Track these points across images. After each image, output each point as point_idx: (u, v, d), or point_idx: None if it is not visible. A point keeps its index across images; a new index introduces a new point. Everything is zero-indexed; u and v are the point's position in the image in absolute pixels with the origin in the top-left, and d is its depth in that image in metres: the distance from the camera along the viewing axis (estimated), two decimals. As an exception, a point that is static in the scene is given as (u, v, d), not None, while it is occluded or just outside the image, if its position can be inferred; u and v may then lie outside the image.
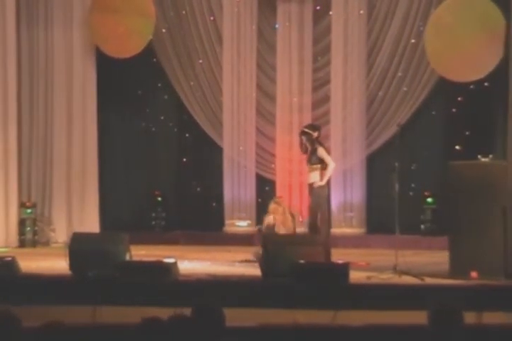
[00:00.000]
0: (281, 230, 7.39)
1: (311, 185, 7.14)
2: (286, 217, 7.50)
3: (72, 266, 6.09)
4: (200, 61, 9.70)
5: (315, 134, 7.13)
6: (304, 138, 7.14)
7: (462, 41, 8.51)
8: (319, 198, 7.03)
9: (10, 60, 9.19)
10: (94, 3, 9.53)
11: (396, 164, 6.49)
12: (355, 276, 5.81)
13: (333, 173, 7.43)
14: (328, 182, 7.26)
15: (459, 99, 8.92)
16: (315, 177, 7.04)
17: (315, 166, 7.05)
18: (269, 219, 7.54)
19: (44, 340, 3.12)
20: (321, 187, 7.03)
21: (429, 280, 5.86)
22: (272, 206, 7.62)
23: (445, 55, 8.58)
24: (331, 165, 7.07)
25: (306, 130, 7.19)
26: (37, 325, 3.16)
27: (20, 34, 9.46)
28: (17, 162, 9.34)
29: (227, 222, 9.61)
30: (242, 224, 9.52)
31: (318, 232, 6.90)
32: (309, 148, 7.10)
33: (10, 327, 3.20)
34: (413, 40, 9.03)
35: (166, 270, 5.80)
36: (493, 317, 5.06)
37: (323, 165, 7.08)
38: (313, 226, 7.08)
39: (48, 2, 9.59)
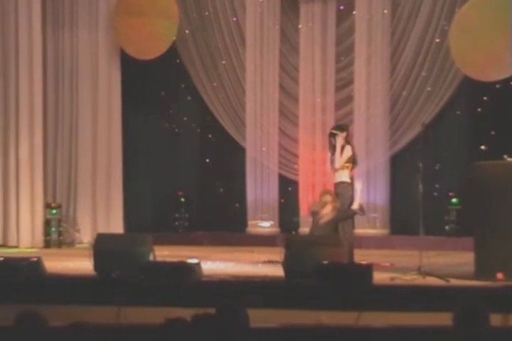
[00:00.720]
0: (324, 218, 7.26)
1: (336, 185, 7.11)
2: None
3: (96, 266, 6.14)
4: (223, 62, 9.72)
5: (343, 134, 7.13)
6: (333, 140, 7.12)
7: (487, 40, 8.40)
8: (343, 198, 7.00)
9: (36, 62, 9.30)
10: (119, 5, 9.60)
11: (420, 164, 6.43)
12: (379, 277, 5.77)
13: (356, 173, 7.38)
14: (352, 182, 7.22)
15: (485, 98, 8.81)
16: (341, 177, 7.01)
17: (343, 165, 7.03)
18: (327, 208, 7.21)
19: (70, 340, 3.15)
20: (345, 186, 7.00)
21: (454, 282, 5.80)
22: (327, 198, 7.45)
23: (470, 54, 8.49)
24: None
25: (335, 131, 7.17)
26: (63, 325, 3.19)
27: (45, 36, 9.57)
28: (42, 163, 9.44)
29: (250, 222, 9.61)
30: (265, 225, 9.51)
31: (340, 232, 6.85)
32: (338, 148, 7.07)
33: (37, 327, 3.24)
34: (437, 40, 8.94)
35: (190, 270, 5.81)
36: (519, 320, 4.99)
37: (349, 164, 7.06)
38: (337, 226, 7.03)
39: (73, 4, 9.69)
